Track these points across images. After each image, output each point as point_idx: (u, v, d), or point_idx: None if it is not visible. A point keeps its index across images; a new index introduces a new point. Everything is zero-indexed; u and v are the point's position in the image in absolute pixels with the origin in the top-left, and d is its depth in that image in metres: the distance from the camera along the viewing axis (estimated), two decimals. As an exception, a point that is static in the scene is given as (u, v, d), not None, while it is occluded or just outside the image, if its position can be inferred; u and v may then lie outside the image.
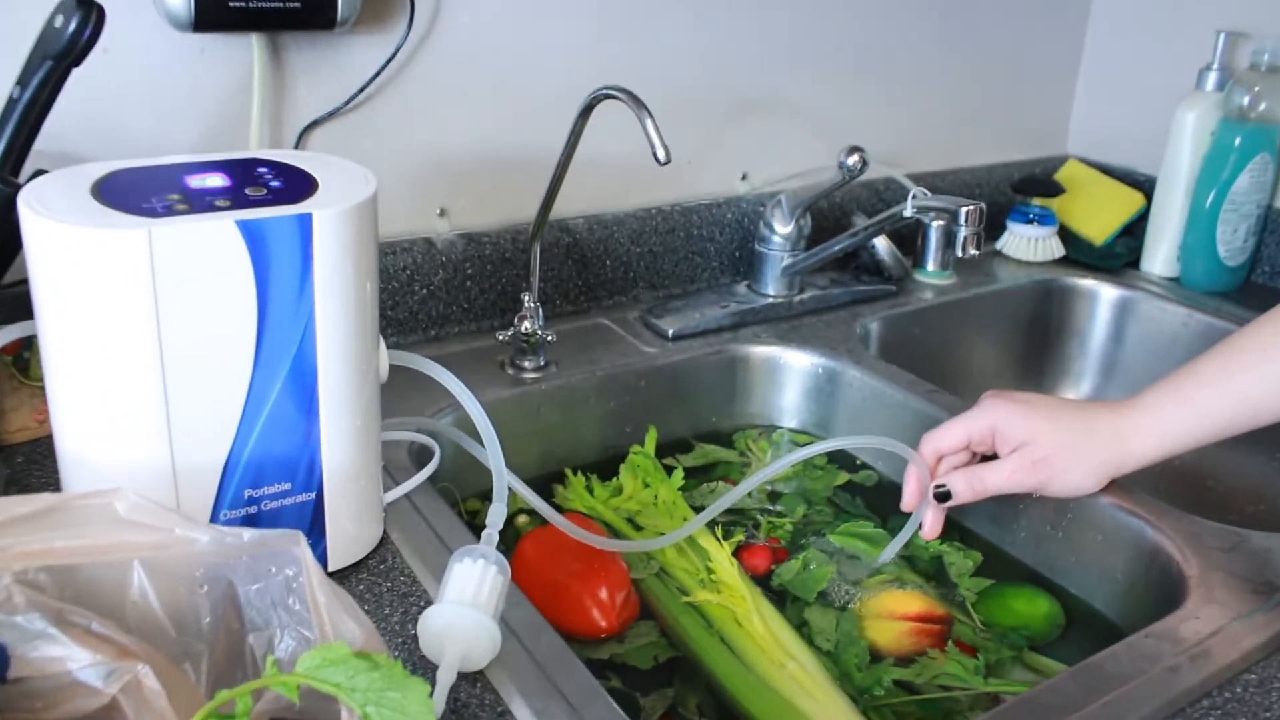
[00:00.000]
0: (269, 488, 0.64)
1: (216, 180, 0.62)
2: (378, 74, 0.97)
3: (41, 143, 0.73)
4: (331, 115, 0.96)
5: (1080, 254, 1.39)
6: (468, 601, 0.61)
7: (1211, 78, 1.30)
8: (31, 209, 0.56)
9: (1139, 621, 0.74)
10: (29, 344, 0.87)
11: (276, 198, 0.61)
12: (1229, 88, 1.28)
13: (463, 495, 0.94)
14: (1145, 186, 1.42)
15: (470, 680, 0.61)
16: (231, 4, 0.85)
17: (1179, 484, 1.19)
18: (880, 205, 1.33)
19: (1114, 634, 0.85)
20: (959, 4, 1.36)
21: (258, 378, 0.61)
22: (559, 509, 0.96)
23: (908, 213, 0.98)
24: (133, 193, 0.59)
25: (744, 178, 1.24)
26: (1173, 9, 1.42)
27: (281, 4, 0.87)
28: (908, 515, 0.89)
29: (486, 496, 0.94)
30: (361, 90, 0.97)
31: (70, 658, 0.50)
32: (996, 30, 1.41)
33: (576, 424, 1.01)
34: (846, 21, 1.26)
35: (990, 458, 0.87)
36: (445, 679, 0.58)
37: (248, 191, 0.61)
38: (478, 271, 1.06)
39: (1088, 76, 1.53)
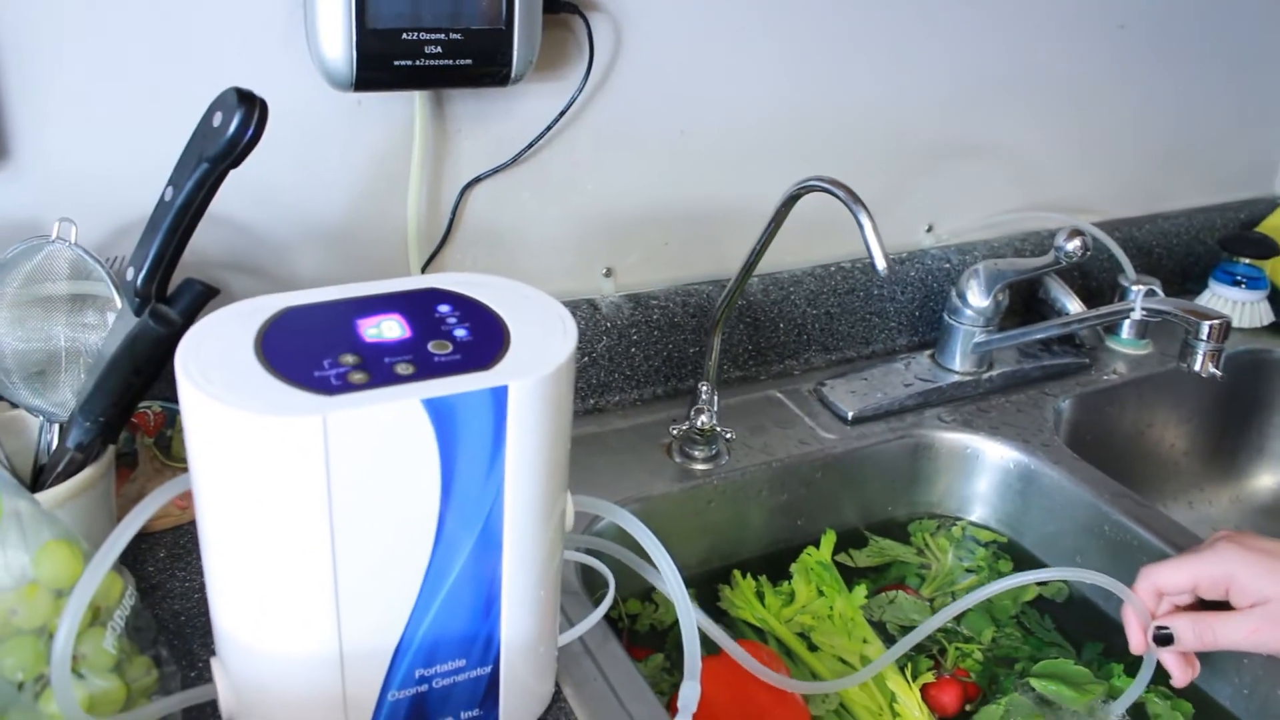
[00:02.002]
0: (442, 665, 0.57)
1: (394, 330, 0.54)
2: (548, 129, 0.88)
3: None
4: (495, 171, 0.88)
5: (1289, 316, 1.25)
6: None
7: None
8: (191, 380, 0.48)
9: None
10: (171, 422, 0.81)
11: (465, 358, 0.52)
12: None
13: (622, 595, 0.87)
14: (1370, 242, 1.26)
15: None
16: (396, 63, 0.76)
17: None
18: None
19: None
20: (1156, 31, 1.21)
21: (436, 559, 0.53)
22: (725, 614, 0.88)
23: (1136, 315, 0.85)
24: (303, 350, 0.51)
25: (929, 229, 1.13)
26: None
27: (450, 61, 0.78)
28: (1104, 646, 0.78)
29: (648, 596, 0.87)
30: (530, 146, 0.88)
31: None
32: (1202, 63, 1.26)
33: (746, 518, 0.93)
34: (1036, 59, 1.12)
35: (1216, 604, 0.76)
36: None
37: (431, 349, 0.52)
38: (643, 337, 0.97)
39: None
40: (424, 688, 0.57)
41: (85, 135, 0.74)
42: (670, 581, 0.62)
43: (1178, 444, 1.19)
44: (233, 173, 0.63)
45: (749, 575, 0.90)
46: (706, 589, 0.90)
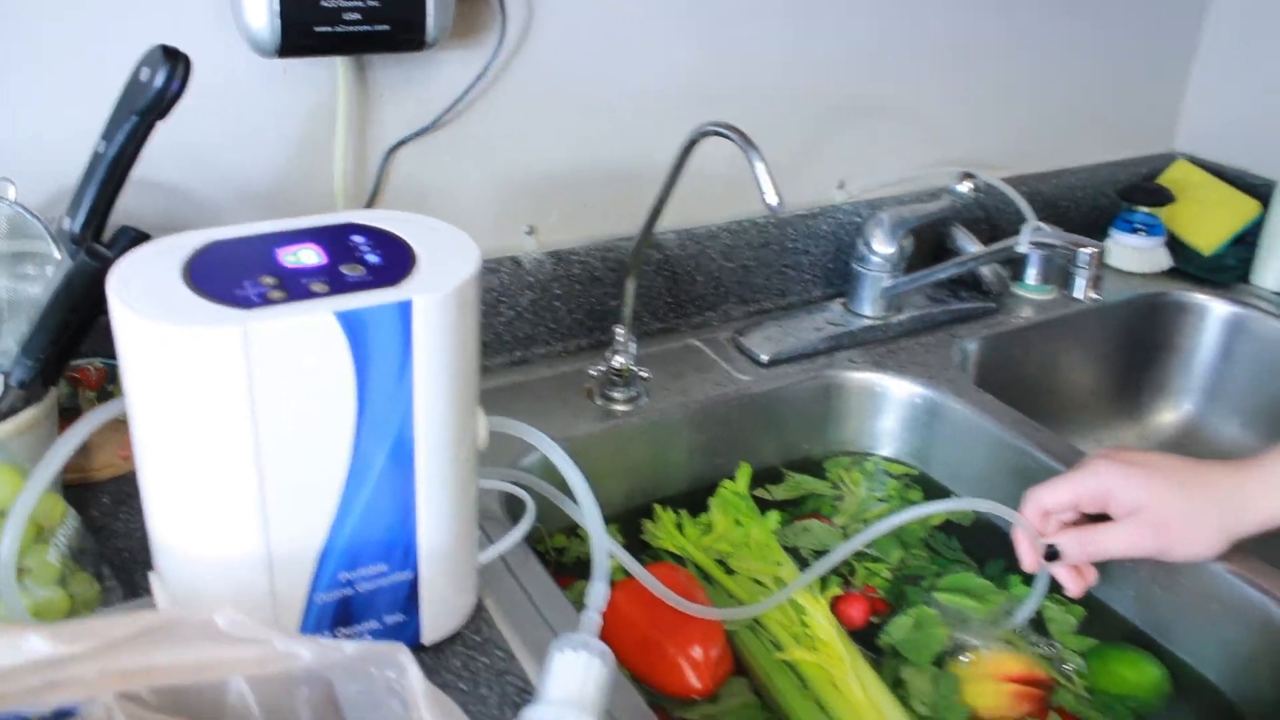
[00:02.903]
0: (365, 569, 0.62)
1: (311, 257, 0.59)
2: (466, 93, 0.93)
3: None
4: (418, 135, 0.93)
5: (1188, 265, 1.32)
6: (571, 701, 0.58)
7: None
8: (121, 300, 0.53)
9: (1257, 697, 0.70)
10: (112, 378, 0.85)
11: (376, 278, 0.57)
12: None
13: (549, 530, 0.92)
14: (1261, 192, 1.34)
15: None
16: (317, 29, 0.81)
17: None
18: (982, 215, 1.27)
19: (1227, 707, 0.81)
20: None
21: (355, 466, 0.58)
22: (648, 546, 0.94)
23: (1021, 248, 0.92)
24: (225, 274, 0.56)
25: (841, 186, 1.19)
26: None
27: (369, 27, 0.83)
28: (1007, 563, 0.85)
29: (574, 531, 0.92)
30: (450, 109, 0.93)
31: (170, 785, 0.49)
32: (1104, 20, 1.33)
33: (666, 456, 0.98)
34: (943, 21, 1.19)
35: (1099, 517, 0.82)
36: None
37: (344, 270, 0.58)
38: (566, 291, 1.02)
39: (1202, 70, 1.44)
40: (349, 591, 0.62)
41: (23, 105, 0.78)
42: (576, 485, 0.68)
43: (1084, 383, 1.26)
44: (166, 138, 0.68)
45: (670, 509, 0.95)
46: (630, 524, 0.95)
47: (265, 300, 0.54)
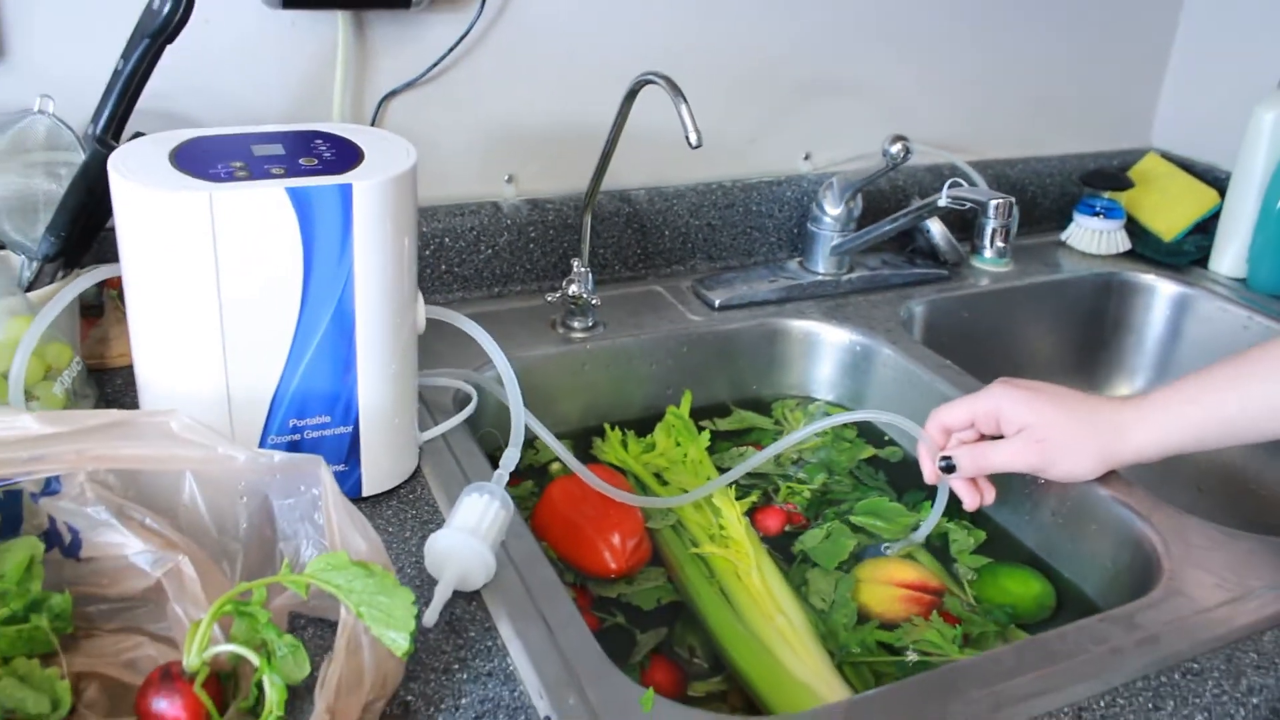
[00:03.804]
0: (311, 419, 0.74)
1: (276, 150, 0.71)
2: (451, 49, 1.05)
3: (147, 104, 0.83)
4: (408, 87, 1.05)
5: (1147, 249, 1.40)
6: (469, 530, 0.70)
7: (1293, 78, 1.29)
8: (117, 171, 0.66)
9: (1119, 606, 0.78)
10: (134, 281, 0.98)
11: (326, 168, 0.69)
12: (1308, 90, 1.27)
13: (504, 442, 1.03)
14: (1224, 184, 1.42)
15: (466, 599, 0.70)
16: (321, -15, 0.94)
17: (1223, 485, 1.22)
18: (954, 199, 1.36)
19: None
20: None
21: (303, 324, 0.70)
22: (594, 460, 1.04)
23: (942, 202, 1.02)
24: (204, 159, 0.69)
25: (807, 158, 1.29)
26: (1271, 4, 1.40)
27: (365, -15, 0.96)
28: (925, 494, 0.94)
29: (530, 444, 1.03)
30: (436, 64, 1.05)
31: (126, 544, 0.61)
32: (1083, 15, 1.42)
33: (620, 383, 1.09)
34: (919, 8, 1.29)
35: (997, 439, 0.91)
36: (442, 593, 0.67)
37: (301, 161, 0.70)
38: (540, 235, 1.14)
39: (1177, 68, 1.52)
40: (297, 437, 0.74)
41: (60, 34, 0.92)
42: (497, 359, 0.80)
43: (1035, 354, 1.34)
44: (185, 80, 0.81)
45: (617, 429, 1.06)
46: (582, 442, 1.06)
47: (231, 177, 0.67)
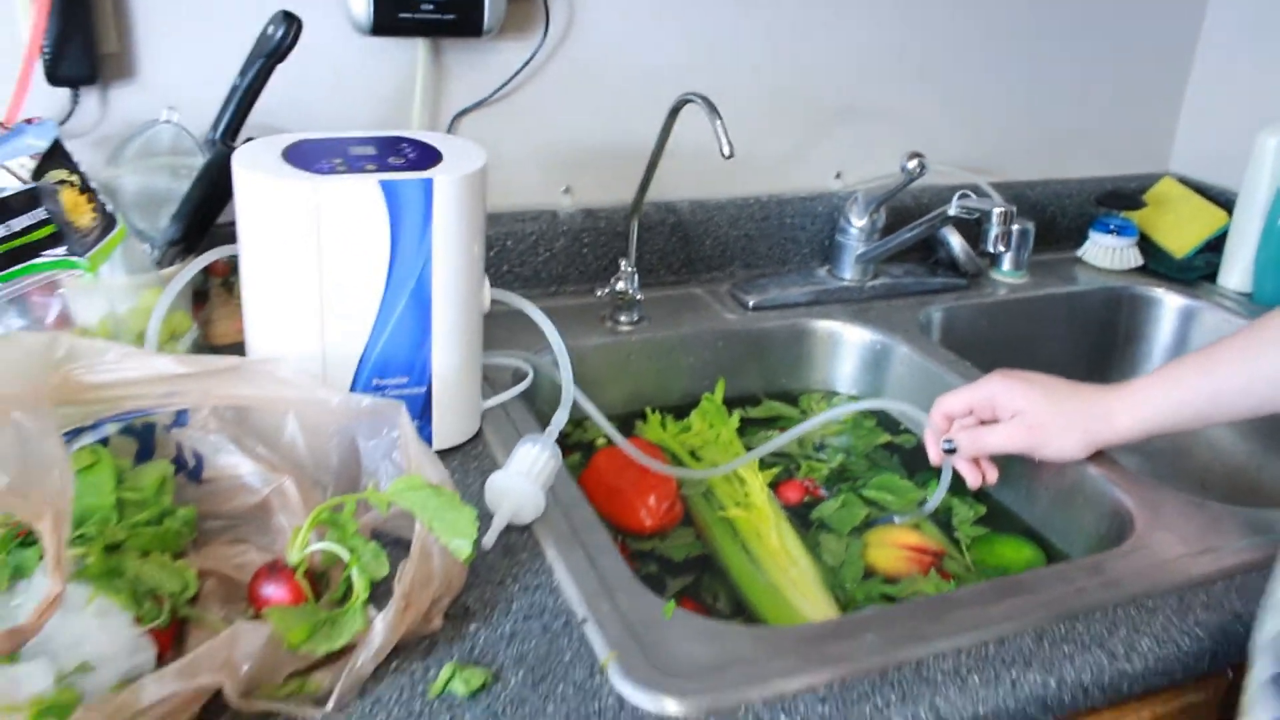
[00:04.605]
0: (391, 379, 0.87)
1: (369, 151, 0.85)
2: (517, 73, 1.19)
3: (257, 117, 0.98)
4: (478, 105, 1.19)
5: (1160, 265, 1.50)
6: (523, 473, 0.82)
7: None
8: (240, 164, 0.80)
9: (1092, 560, 0.88)
10: (235, 269, 1.13)
11: (410, 165, 0.83)
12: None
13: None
14: (1234, 206, 1.50)
15: (519, 531, 0.82)
16: (401, 15, 1.09)
17: (1227, 480, 1.30)
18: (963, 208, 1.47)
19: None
20: (1068, 16, 1.48)
21: (387, 297, 0.84)
22: (636, 436, 1.17)
23: (952, 211, 1.13)
24: (309, 157, 0.83)
25: (838, 176, 1.41)
26: (1281, 36, 1.50)
27: (440, 16, 1.10)
28: (934, 476, 1.05)
29: (579, 424, 1.16)
30: (503, 86, 1.19)
31: (241, 466, 0.74)
32: (1105, 44, 1.53)
33: (661, 373, 1.21)
34: (951, 31, 1.41)
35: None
36: (498, 522, 0.79)
37: (390, 160, 0.84)
38: (593, 241, 1.27)
39: (1193, 97, 1.62)
40: (380, 393, 0.87)
41: (186, 54, 1.07)
42: (552, 337, 0.92)
43: (1048, 362, 1.43)
44: (284, 95, 0.95)
45: (658, 412, 1.18)
46: (626, 423, 1.18)
47: (333, 171, 0.81)
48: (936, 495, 1.04)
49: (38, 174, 0.78)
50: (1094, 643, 0.75)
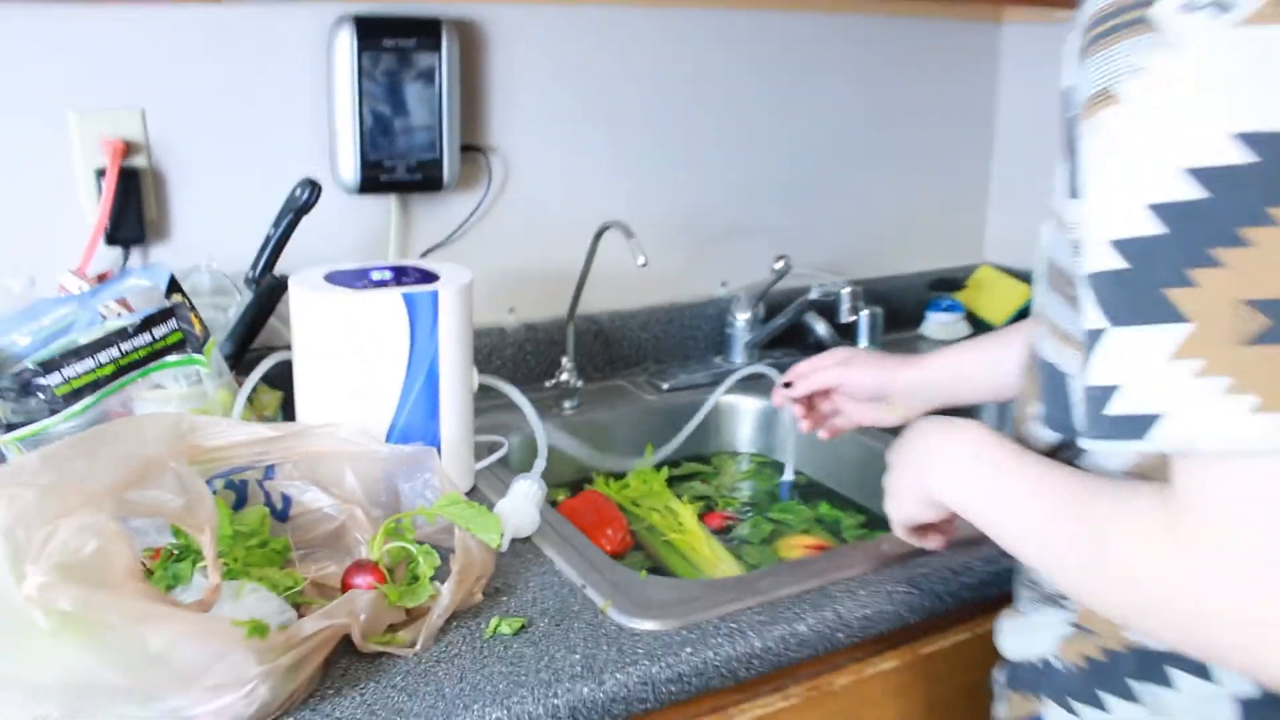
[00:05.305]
0: (411, 444, 1.15)
1: (386, 275, 1.15)
2: (468, 219, 1.51)
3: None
4: (438, 246, 1.51)
5: (983, 332, 1.87)
6: (521, 498, 1.11)
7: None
8: (297, 286, 1.09)
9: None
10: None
11: (418, 282, 1.13)
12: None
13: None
14: (1034, 285, 1.90)
15: (522, 541, 1.10)
16: (381, 178, 1.40)
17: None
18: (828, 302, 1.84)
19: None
20: (894, 143, 1.89)
21: (407, 381, 1.12)
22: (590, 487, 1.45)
23: (812, 295, 1.48)
24: (344, 279, 1.12)
25: (724, 284, 1.76)
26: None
27: (409, 177, 1.42)
28: (827, 500, 1.36)
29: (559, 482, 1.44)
30: (458, 229, 1.51)
31: (321, 500, 1.01)
32: (923, 164, 1.93)
33: (601, 444, 1.51)
34: (805, 160, 1.79)
35: None
36: (509, 533, 1.07)
37: (403, 279, 1.14)
38: (534, 349, 1.58)
39: (996, 198, 2.04)
40: (404, 455, 1.15)
41: (221, 211, 1.36)
42: (524, 406, 1.22)
43: (907, 418, 1.78)
44: (295, 243, 1.25)
45: (602, 476, 1.48)
46: (578, 485, 1.47)
47: (366, 286, 1.10)
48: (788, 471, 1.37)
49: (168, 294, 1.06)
50: (944, 566, 1.06)
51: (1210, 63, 0.59)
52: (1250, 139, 0.57)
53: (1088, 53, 0.64)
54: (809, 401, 1.30)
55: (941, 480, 0.85)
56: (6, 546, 0.70)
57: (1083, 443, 0.68)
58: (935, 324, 1.88)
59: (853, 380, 1.24)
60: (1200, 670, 0.74)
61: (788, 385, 1.29)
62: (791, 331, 1.75)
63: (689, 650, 0.92)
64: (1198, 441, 0.59)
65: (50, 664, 0.69)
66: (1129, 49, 0.61)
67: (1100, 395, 0.62)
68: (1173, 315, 0.59)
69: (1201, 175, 0.58)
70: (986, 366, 1.14)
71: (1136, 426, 0.60)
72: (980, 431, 0.83)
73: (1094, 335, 0.63)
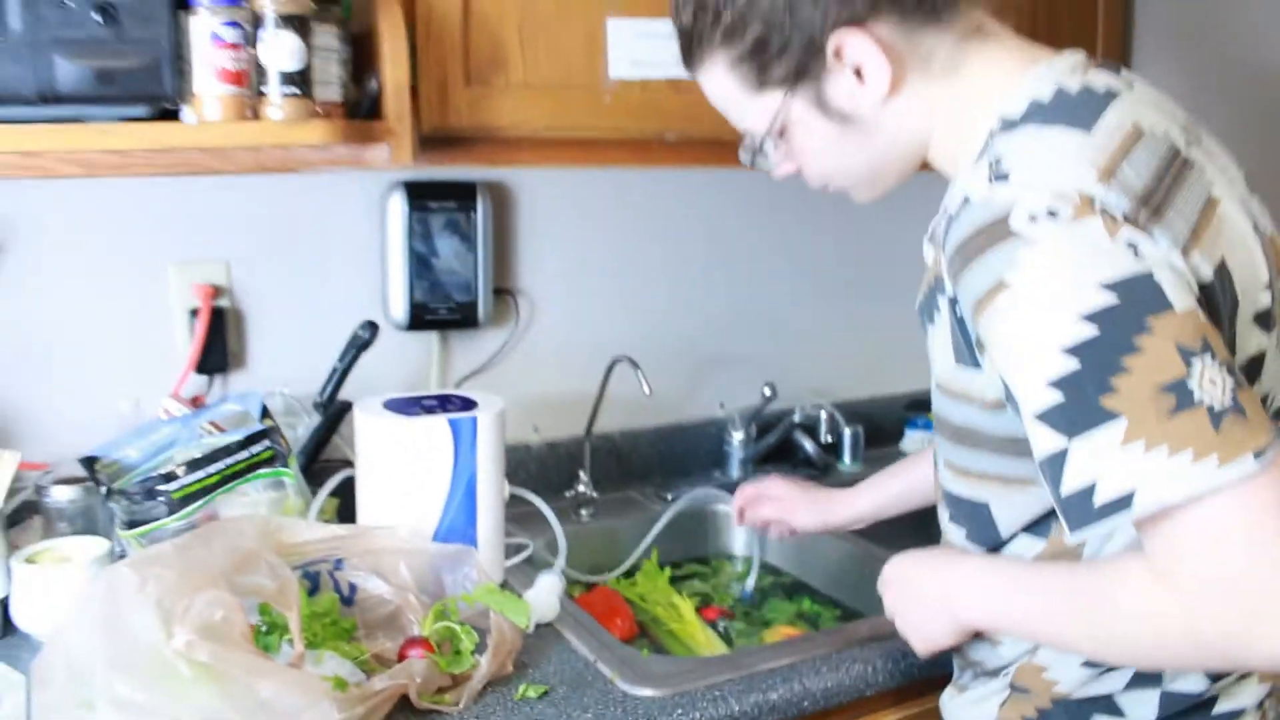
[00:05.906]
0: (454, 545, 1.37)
1: (433, 402, 1.39)
2: (499, 351, 1.76)
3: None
4: (474, 374, 1.75)
5: (956, 452, 2.09)
6: (544, 590, 1.33)
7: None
8: (362, 412, 1.33)
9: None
10: (315, 496, 1.63)
11: (460, 409, 1.37)
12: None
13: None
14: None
15: (544, 626, 1.31)
16: (427, 317, 1.66)
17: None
18: (815, 420, 2.07)
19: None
20: (872, 272, 2.14)
21: (451, 492, 1.35)
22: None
23: (797, 418, 1.71)
24: (400, 406, 1.36)
25: (721, 406, 1.99)
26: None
27: (450, 316, 1.68)
28: (807, 598, 1.57)
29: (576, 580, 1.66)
30: (490, 360, 1.76)
31: (382, 588, 1.23)
32: (894, 291, 2.17)
33: (613, 549, 1.72)
34: (789, 293, 2.04)
35: None
36: (534, 617, 1.29)
37: (448, 405, 1.38)
38: (556, 465, 1.81)
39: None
40: (446, 553, 1.38)
41: (291, 350, 1.61)
42: (547, 513, 1.45)
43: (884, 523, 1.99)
44: (360, 371, 1.50)
45: (615, 576, 1.69)
46: (591, 584, 1.68)
47: (418, 414, 1.34)
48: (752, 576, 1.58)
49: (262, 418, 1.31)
50: (896, 649, 1.26)
51: (1058, 248, 0.83)
52: (1109, 286, 0.80)
53: (968, 266, 0.87)
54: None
55: (976, 614, 1.01)
56: (159, 612, 0.93)
57: (1072, 538, 0.84)
58: (914, 440, 2.10)
59: (796, 524, 1.50)
60: (1112, 708, 0.96)
61: (740, 511, 1.54)
62: (783, 446, 1.98)
63: (680, 712, 1.13)
64: (1167, 497, 0.77)
65: (190, 703, 0.91)
66: (1004, 251, 0.85)
67: (1084, 494, 0.80)
68: (1110, 416, 0.79)
69: (1091, 317, 0.80)
70: (912, 486, 1.40)
71: (1120, 505, 0.79)
72: (975, 560, 1.02)
73: (1056, 458, 0.81)
